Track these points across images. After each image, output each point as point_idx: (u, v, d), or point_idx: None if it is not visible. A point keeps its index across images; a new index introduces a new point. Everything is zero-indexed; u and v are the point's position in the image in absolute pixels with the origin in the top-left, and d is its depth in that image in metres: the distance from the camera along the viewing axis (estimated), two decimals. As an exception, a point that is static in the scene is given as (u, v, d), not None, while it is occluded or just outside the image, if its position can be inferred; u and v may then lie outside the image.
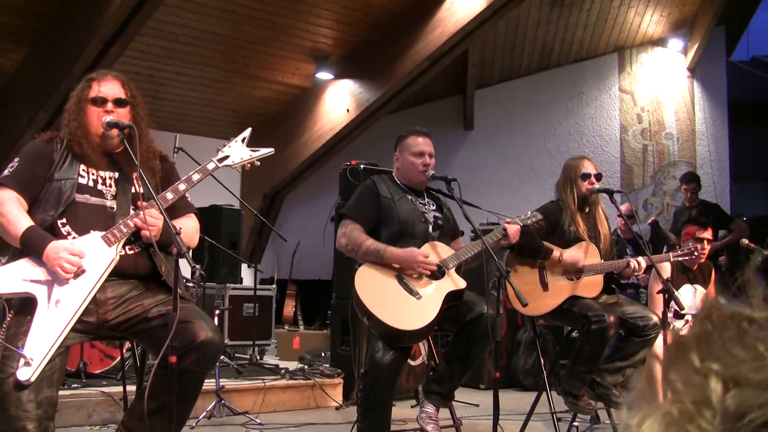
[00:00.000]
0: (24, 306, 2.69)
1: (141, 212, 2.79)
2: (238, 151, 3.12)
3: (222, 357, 5.78)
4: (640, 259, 4.28)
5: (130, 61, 8.04)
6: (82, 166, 2.92)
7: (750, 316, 0.59)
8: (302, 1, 8.22)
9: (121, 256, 2.82)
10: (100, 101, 2.94)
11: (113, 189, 2.95)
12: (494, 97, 11.06)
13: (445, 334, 4.00)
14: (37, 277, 2.70)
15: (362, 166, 5.81)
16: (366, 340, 4.33)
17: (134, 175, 2.96)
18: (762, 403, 0.54)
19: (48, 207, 2.84)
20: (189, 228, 3.03)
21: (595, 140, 10.65)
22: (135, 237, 2.88)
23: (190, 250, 3.03)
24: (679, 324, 4.65)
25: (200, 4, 7.84)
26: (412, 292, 3.59)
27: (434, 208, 3.96)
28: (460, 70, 10.50)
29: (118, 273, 2.85)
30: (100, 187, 2.93)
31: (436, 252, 3.74)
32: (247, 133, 3.17)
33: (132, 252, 2.90)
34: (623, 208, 5.80)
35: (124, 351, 4.17)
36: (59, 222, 2.81)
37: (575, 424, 4.55)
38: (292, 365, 6.48)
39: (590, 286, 4.22)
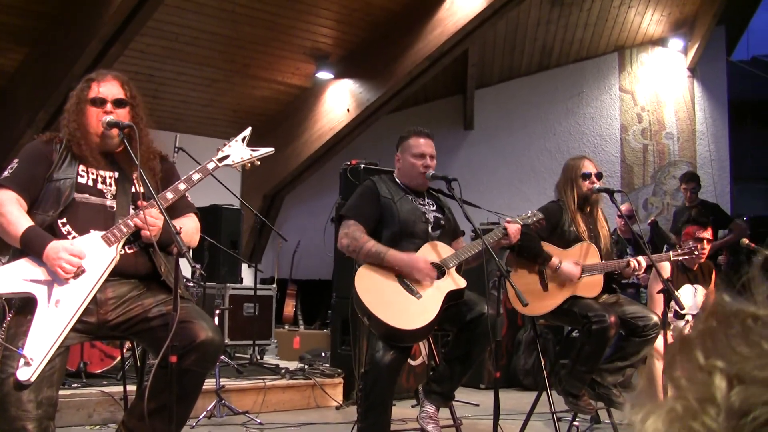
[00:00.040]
0: (24, 306, 2.69)
1: (141, 212, 2.79)
2: (238, 150, 3.12)
3: (222, 357, 5.78)
4: (640, 258, 4.28)
5: (130, 60, 8.04)
6: (82, 166, 2.92)
7: (754, 313, 0.59)
8: (302, 1, 8.21)
9: (121, 255, 2.82)
10: (100, 102, 2.94)
11: (113, 188, 2.95)
12: (494, 97, 11.05)
13: (446, 334, 4.00)
14: (37, 277, 2.70)
15: (362, 166, 5.80)
16: (366, 339, 4.33)
17: (134, 175, 2.96)
18: (766, 401, 0.54)
19: (48, 207, 2.84)
20: (189, 228, 3.03)
21: (595, 140, 10.65)
22: (135, 237, 2.88)
23: (191, 250, 3.03)
24: (679, 324, 4.65)
25: (200, 4, 7.84)
26: (412, 291, 3.59)
27: (434, 208, 3.96)
28: (460, 69, 10.49)
29: (119, 273, 2.84)
30: (100, 186, 2.93)
31: (436, 251, 3.73)
32: (247, 132, 3.17)
33: (132, 252, 2.89)
34: (623, 208, 5.80)
35: (125, 351, 4.17)
36: (59, 222, 2.81)
37: (575, 423, 4.55)
38: (293, 365, 6.48)
39: (590, 286, 4.22)
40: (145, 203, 2.82)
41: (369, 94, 9.23)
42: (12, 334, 2.62)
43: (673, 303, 4.04)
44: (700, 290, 4.88)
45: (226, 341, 6.60)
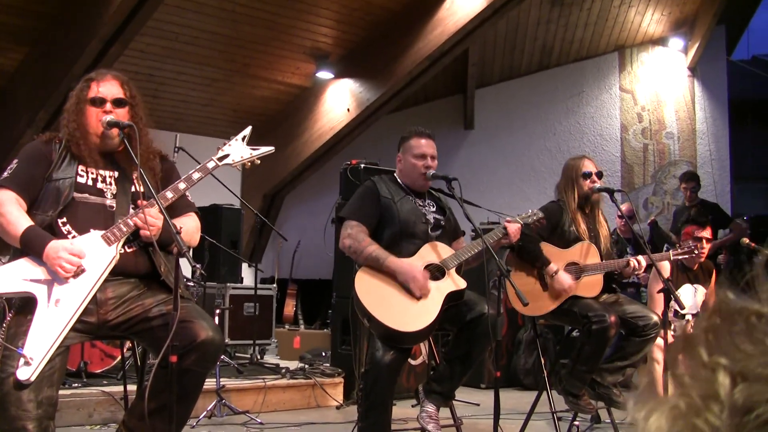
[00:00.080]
0: (24, 305, 2.69)
1: (141, 211, 2.79)
2: (238, 149, 3.11)
3: (222, 356, 5.78)
4: (640, 258, 4.28)
5: (130, 60, 8.04)
6: (81, 166, 2.91)
7: (758, 311, 0.59)
8: (302, 1, 8.21)
9: (121, 255, 2.82)
10: (99, 101, 2.94)
11: (113, 188, 2.95)
12: (494, 97, 11.05)
13: (446, 334, 4.00)
14: (37, 276, 2.70)
15: (362, 166, 5.80)
16: (366, 339, 4.33)
17: (134, 174, 2.96)
18: None
19: (47, 207, 2.84)
20: (189, 227, 3.02)
21: (595, 139, 10.65)
22: (135, 236, 2.87)
23: (191, 250, 3.03)
24: (680, 323, 4.65)
25: (200, 4, 7.84)
26: (412, 293, 3.58)
27: (434, 209, 3.95)
28: (460, 69, 10.49)
29: (119, 272, 2.84)
30: (99, 185, 2.93)
31: (436, 252, 3.73)
32: (247, 131, 3.17)
33: (131, 251, 2.89)
34: (623, 207, 5.80)
35: (125, 350, 4.17)
36: (59, 221, 2.81)
37: (576, 423, 4.56)
38: (293, 365, 6.48)
39: (590, 286, 4.22)
40: (144, 202, 2.82)
41: (369, 94, 9.23)
42: (12, 334, 2.62)
43: (673, 302, 4.04)
44: (700, 290, 4.88)
45: (226, 341, 6.60)
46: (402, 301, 3.55)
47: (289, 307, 9.25)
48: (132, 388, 3.58)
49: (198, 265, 2.86)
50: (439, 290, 3.61)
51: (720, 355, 0.57)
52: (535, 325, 4.58)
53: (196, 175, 2.99)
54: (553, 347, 6.98)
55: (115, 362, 5.27)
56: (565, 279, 4.15)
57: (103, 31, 6.82)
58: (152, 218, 2.80)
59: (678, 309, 4.40)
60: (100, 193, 2.92)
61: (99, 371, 5.24)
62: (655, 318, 4.11)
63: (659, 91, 10.55)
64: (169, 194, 2.92)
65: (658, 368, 4.37)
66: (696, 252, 4.54)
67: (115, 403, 4.76)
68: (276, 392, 5.59)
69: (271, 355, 7.72)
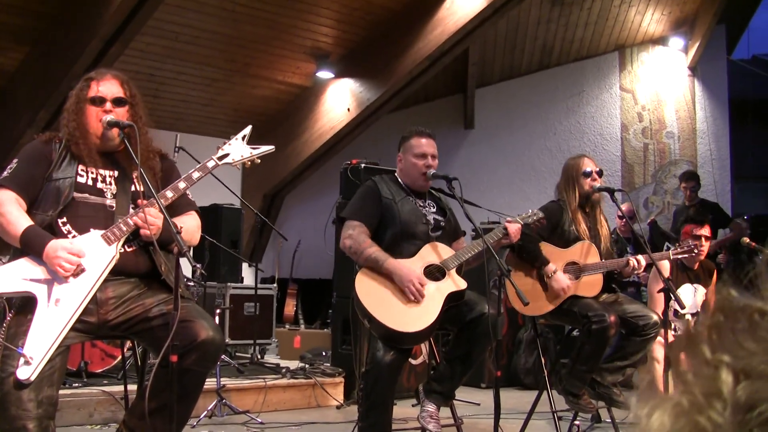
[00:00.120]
0: (24, 305, 2.69)
1: (141, 211, 2.79)
2: (238, 148, 3.11)
3: (223, 356, 5.78)
4: (640, 257, 4.28)
5: (131, 60, 8.03)
6: (81, 166, 2.91)
7: (762, 309, 0.59)
8: (303, 0, 8.21)
9: (121, 254, 2.82)
10: (99, 101, 2.93)
11: (113, 187, 2.94)
12: (495, 96, 11.05)
13: (446, 333, 4.00)
14: (37, 276, 2.70)
15: (363, 165, 5.80)
16: (367, 339, 4.33)
17: (134, 174, 2.96)
18: None
19: (47, 206, 2.83)
20: (190, 226, 3.02)
21: (595, 139, 10.64)
22: (135, 235, 2.87)
23: (191, 249, 3.03)
24: (681, 323, 4.65)
25: (201, 3, 7.84)
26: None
27: (435, 210, 3.95)
28: (460, 69, 10.49)
29: (119, 271, 2.84)
30: (99, 185, 2.93)
31: (436, 252, 3.73)
32: (247, 130, 3.17)
33: (131, 250, 2.89)
34: (624, 207, 5.80)
35: (125, 350, 4.17)
36: (59, 221, 2.81)
37: (576, 423, 4.55)
38: (293, 364, 6.49)
39: (590, 286, 4.22)
40: (145, 202, 2.82)
41: (369, 94, 9.23)
42: (12, 334, 2.62)
43: (673, 302, 4.04)
44: (701, 290, 4.88)
45: (226, 341, 6.60)
46: (402, 302, 3.55)
47: (290, 307, 9.25)
48: (132, 387, 3.58)
49: (198, 265, 2.86)
50: (440, 291, 3.61)
51: (723, 352, 0.57)
52: (535, 325, 4.58)
53: (196, 175, 2.99)
54: (553, 347, 6.98)
55: (116, 362, 5.27)
56: (563, 279, 4.14)
57: (103, 31, 6.82)
58: (152, 217, 2.79)
59: (678, 309, 4.40)
60: (100, 192, 2.92)
61: (99, 371, 5.24)
62: (655, 317, 4.11)
63: (659, 90, 10.54)
64: (169, 193, 2.92)
65: (659, 367, 4.37)
66: (695, 251, 4.54)
67: (115, 402, 4.76)
68: (276, 392, 5.59)
69: (271, 354, 7.72)
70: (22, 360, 2.53)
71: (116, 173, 2.97)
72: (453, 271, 3.70)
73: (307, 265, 9.94)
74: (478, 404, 5.78)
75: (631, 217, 6.86)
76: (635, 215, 7.89)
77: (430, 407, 3.71)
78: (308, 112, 9.97)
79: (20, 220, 2.75)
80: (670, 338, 4.07)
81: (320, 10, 8.43)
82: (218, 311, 6.29)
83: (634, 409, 0.60)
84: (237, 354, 7.06)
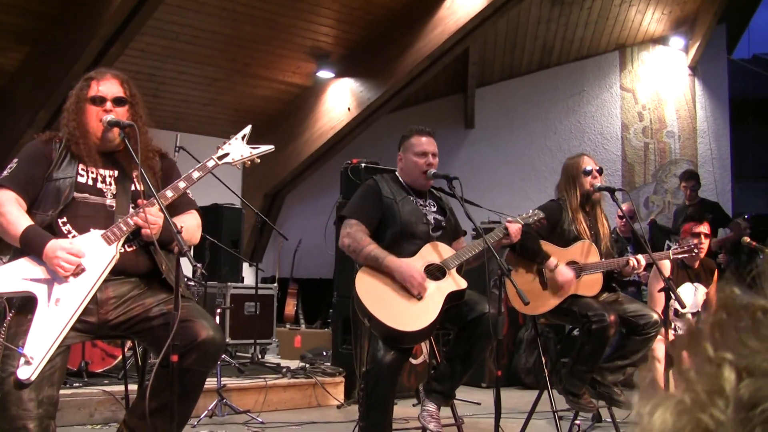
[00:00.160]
0: (24, 305, 2.69)
1: (141, 210, 2.79)
2: (238, 148, 3.11)
3: (223, 356, 5.78)
4: (640, 256, 4.27)
5: (131, 60, 8.03)
6: (81, 165, 2.91)
7: (764, 307, 0.59)
8: (303, 0, 8.21)
9: (121, 254, 2.82)
10: (99, 100, 2.93)
11: (113, 187, 2.94)
12: (495, 96, 11.04)
13: (447, 333, 4.00)
14: (38, 276, 2.70)
15: (363, 165, 5.80)
16: (367, 338, 4.33)
17: (134, 173, 2.96)
18: None
19: (47, 206, 2.83)
20: (190, 225, 3.02)
21: (596, 138, 10.64)
22: (135, 235, 2.87)
23: (192, 248, 3.02)
24: (684, 321, 4.65)
25: (201, 3, 7.83)
26: (410, 292, 3.58)
27: (435, 209, 3.94)
28: (460, 68, 10.49)
29: (120, 271, 2.84)
30: (99, 185, 2.92)
31: (437, 252, 3.73)
32: (247, 130, 3.16)
33: (132, 250, 2.89)
34: (624, 207, 5.80)
35: (126, 350, 4.17)
36: (59, 221, 2.81)
37: (577, 422, 4.56)
38: (294, 364, 6.49)
39: (590, 285, 4.21)
40: (145, 201, 2.82)
41: (370, 93, 9.23)
42: (12, 334, 2.62)
43: (673, 301, 4.03)
44: (701, 289, 4.88)
45: (227, 340, 6.60)
46: (402, 301, 3.54)
47: (290, 307, 9.25)
48: (133, 387, 3.59)
49: (199, 265, 2.86)
50: (440, 290, 3.61)
51: (726, 350, 0.57)
52: (535, 325, 4.58)
53: (195, 174, 2.98)
54: (554, 346, 6.98)
55: (116, 362, 5.27)
56: (565, 272, 4.14)
57: (103, 31, 6.82)
58: (153, 217, 2.79)
59: (679, 308, 4.40)
60: (100, 192, 2.92)
61: (100, 371, 5.24)
62: (656, 316, 4.10)
63: (660, 90, 10.54)
64: (169, 193, 2.92)
65: (659, 366, 4.37)
66: (696, 251, 4.53)
67: (116, 402, 4.76)
68: (277, 392, 5.59)
69: (272, 354, 7.72)
70: (22, 360, 2.53)
71: (116, 173, 2.97)
72: (453, 271, 3.70)
73: (307, 264, 9.94)
74: (479, 404, 5.78)
75: (632, 217, 6.85)
76: (635, 215, 7.89)
77: (431, 407, 3.71)
78: (308, 112, 9.97)
79: (20, 220, 2.75)
80: (671, 337, 4.07)
81: (320, 9, 8.43)
82: (219, 311, 6.29)
83: (635, 407, 0.60)
84: (237, 354, 7.06)
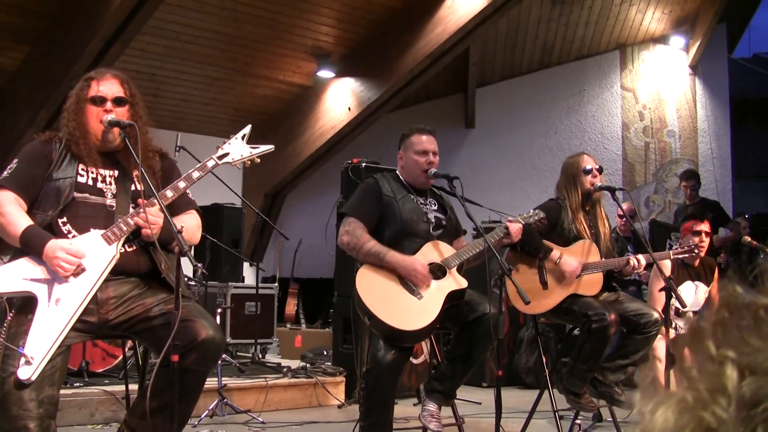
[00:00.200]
0: (25, 305, 2.68)
1: (141, 210, 2.79)
2: (238, 148, 3.11)
3: (224, 356, 5.78)
4: (640, 256, 4.27)
5: (131, 59, 8.03)
6: (81, 165, 2.91)
7: (766, 305, 0.58)
8: (304, 0, 8.21)
9: (121, 254, 2.82)
10: (99, 100, 2.93)
11: (113, 187, 2.94)
12: (495, 95, 11.04)
13: (447, 333, 4.00)
14: (38, 276, 2.70)
15: (364, 165, 5.80)
16: (368, 338, 4.32)
17: (135, 173, 2.96)
18: None
19: (47, 206, 2.83)
20: (190, 225, 3.02)
21: (596, 138, 10.64)
22: (135, 235, 2.87)
23: (192, 248, 3.02)
24: (680, 322, 4.64)
25: (201, 3, 7.84)
26: (413, 291, 3.58)
27: (436, 208, 3.94)
28: (461, 68, 10.49)
29: (120, 271, 2.84)
30: (99, 185, 2.92)
31: (438, 251, 3.73)
32: (247, 130, 3.16)
33: (132, 250, 2.89)
34: (624, 206, 5.79)
35: (127, 350, 4.17)
36: (59, 221, 2.81)
37: (577, 422, 4.55)
38: (294, 364, 6.49)
39: (590, 284, 4.21)
40: (145, 201, 2.82)
41: (370, 93, 9.23)
42: (13, 334, 2.62)
43: (674, 300, 4.03)
44: (701, 287, 4.87)
45: (227, 340, 6.60)
46: (403, 300, 3.54)
47: (291, 306, 9.25)
48: (133, 387, 3.59)
49: (199, 265, 2.86)
50: (441, 289, 3.61)
51: (728, 348, 0.57)
52: (536, 324, 4.58)
53: (195, 174, 2.98)
54: (554, 346, 6.98)
55: (117, 361, 5.27)
56: (570, 261, 4.15)
57: (103, 31, 6.82)
58: (153, 217, 2.79)
59: (679, 307, 4.39)
60: (100, 192, 2.91)
61: (101, 370, 5.24)
62: (656, 315, 4.10)
63: (660, 89, 10.54)
64: (169, 193, 2.91)
65: (660, 366, 4.37)
66: (696, 251, 4.53)
67: (116, 402, 4.77)
68: (277, 391, 5.59)
69: (272, 354, 7.72)
70: (22, 360, 2.53)
71: (116, 173, 2.97)
72: (454, 270, 3.69)
73: (308, 264, 9.94)
74: (480, 403, 5.78)
75: (632, 216, 6.85)
76: (636, 214, 7.88)
77: (432, 406, 3.71)
78: (309, 112, 9.97)
79: (20, 220, 2.75)
80: (672, 336, 4.06)
81: (321, 9, 8.43)
82: (219, 310, 6.29)
83: (637, 405, 0.60)
84: (238, 353, 7.06)
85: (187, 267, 3.15)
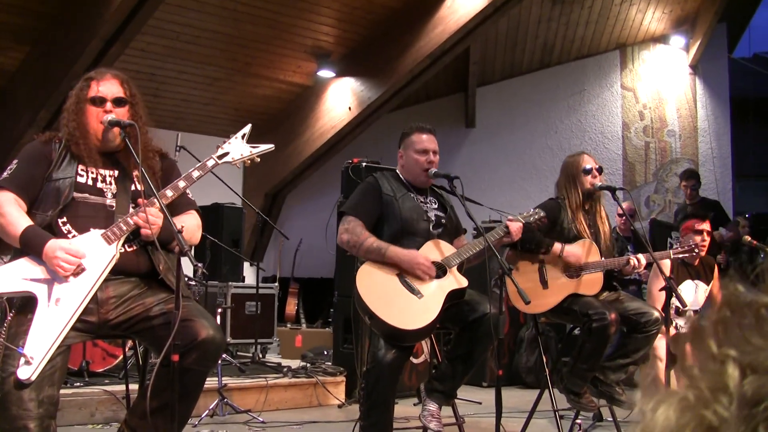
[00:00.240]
0: (25, 305, 2.68)
1: (141, 210, 2.79)
2: (238, 147, 3.10)
3: (224, 355, 5.78)
4: (640, 256, 4.27)
5: (131, 59, 8.03)
6: (81, 166, 2.91)
7: None
8: (304, 0, 8.21)
9: (121, 254, 2.82)
10: (99, 101, 2.93)
11: (113, 187, 2.94)
12: (496, 95, 11.04)
13: (448, 332, 4.00)
14: (37, 276, 2.70)
15: (364, 164, 5.80)
16: (368, 338, 4.32)
17: (135, 173, 2.96)
18: None
19: (47, 207, 2.83)
20: (190, 225, 3.02)
21: (597, 137, 10.64)
22: (135, 235, 2.87)
23: (192, 248, 3.02)
24: (681, 321, 4.64)
25: (202, 3, 7.84)
26: (413, 290, 3.58)
27: (436, 206, 3.94)
28: (461, 67, 10.49)
29: (120, 271, 2.84)
30: (99, 185, 2.92)
31: (438, 250, 3.73)
32: (247, 129, 3.16)
33: (132, 250, 2.89)
34: (624, 205, 5.79)
35: (127, 349, 4.17)
36: (59, 221, 2.81)
37: (578, 421, 4.55)
38: (295, 363, 6.49)
39: (591, 284, 4.21)
40: (145, 201, 2.81)
41: (370, 92, 9.23)
42: (13, 334, 2.62)
43: (674, 299, 4.03)
44: (701, 286, 4.87)
45: (228, 340, 6.61)
46: (403, 299, 3.54)
47: (291, 306, 9.25)
48: (134, 387, 3.59)
49: (200, 264, 2.86)
50: (441, 288, 3.60)
51: (729, 347, 0.57)
52: (536, 324, 4.58)
53: (195, 174, 2.98)
54: (554, 345, 6.98)
55: (117, 361, 5.27)
56: (575, 249, 4.16)
57: (103, 31, 6.82)
58: (153, 217, 2.79)
59: (679, 306, 4.39)
60: (100, 192, 2.91)
61: (101, 370, 5.24)
62: (657, 314, 4.10)
63: (661, 89, 10.54)
64: (169, 192, 2.91)
65: (660, 365, 4.37)
66: (696, 250, 4.53)
67: (117, 402, 4.77)
68: (278, 391, 5.59)
69: (272, 354, 7.72)
70: (22, 360, 2.53)
71: (116, 173, 2.97)
72: (455, 269, 3.69)
73: (308, 264, 9.94)
74: (480, 403, 5.78)
75: (632, 216, 6.85)
76: (636, 214, 7.88)
77: (432, 406, 3.71)
78: (309, 111, 9.97)
79: (20, 221, 2.75)
80: (671, 333, 4.06)
81: (321, 9, 8.43)
82: (219, 310, 6.29)
83: (638, 404, 0.60)
84: (238, 353, 7.06)
85: (187, 267, 3.15)
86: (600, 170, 4.41)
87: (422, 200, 3.90)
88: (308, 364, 6.25)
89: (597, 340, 3.96)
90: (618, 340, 4.17)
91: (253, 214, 8.13)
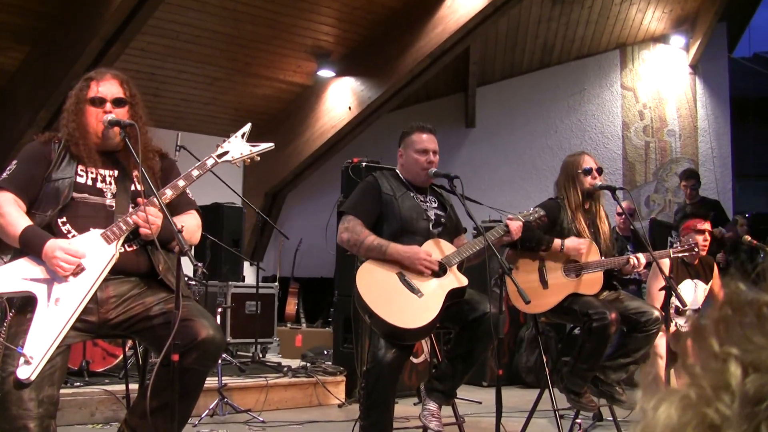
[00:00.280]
0: (24, 305, 2.68)
1: (141, 209, 2.78)
2: (237, 146, 3.10)
3: (224, 355, 5.78)
4: (640, 255, 4.27)
5: (131, 59, 8.03)
6: (80, 166, 2.91)
7: None
8: (304, 0, 8.22)
9: (121, 253, 2.81)
10: (99, 101, 2.92)
11: (113, 187, 2.94)
12: (496, 95, 11.04)
13: (448, 332, 4.00)
14: (37, 275, 2.70)
15: (364, 164, 5.80)
16: (368, 337, 4.32)
17: (135, 173, 2.96)
18: None
19: (47, 207, 2.83)
20: (190, 225, 3.02)
21: (597, 137, 10.64)
22: (135, 235, 2.87)
23: (192, 248, 3.02)
24: (680, 321, 4.64)
25: (202, 2, 7.84)
26: (413, 289, 3.58)
27: (436, 205, 3.94)
28: (461, 67, 10.49)
29: (120, 271, 2.84)
30: (99, 185, 2.92)
31: (438, 249, 3.73)
32: (246, 128, 3.15)
33: (132, 250, 2.89)
34: (624, 205, 5.79)
35: (127, 349, 4.17)
36: (59, 221, 2.81)
37: (578, 421, 4.55)
38: (295, 363, 6.49)
39: (591, 284, 4.20)
40: (145, 201, 2.81)
41: (370, 92, 9.23)
42: (12, 333, 2.62)
43: (673, 299, 4.03)
44: (701, 285, 4.87)
45: (228, 339, 6.61)
46: (404, 298, 3.54)
47: (291, 306, 9.25)
48: (134, 386, 3.58)
49: (200, 264, 2.86)
50: (442, 287, 3.60)
51: (731, 345, 0.57)
52: (536, 323, 4.58)
53: (195, 173, 2.98)
54: (554, 345, 6.98)
55: (117, 361, 5.27)
56: (575, 241, 4.16)
57: (103, 30, 6.82)
58: (152, 216, 2.79)
59: (679, 305, 4.39)
60: (100, 192, 2.91)
61: (101, 370, 5.24)
62: (657, 313, 4.09)
63: (661, 88, 10.54)
64: (169, 192, 2.91)
65: (661, 363, 4.37)
66: (697, 249, 4.53)
67: (117, 401, 4.76)
68: (278, 391, 5.59)
69: (273, 353, 7.72)
70: (22, 359, 2.53)
71: (116, 173, 2.97)
72: (455, 268, 3.69)
73: (308, 263, 9.94)
74: (480, 403, 5.78)
75: (632, 215, 6.85)
76: (636, 213, 7.88)
77: (432, 406, 3.70)
78: (309, 111, 9.97)
79: (19, 221, 2.75)
80: (672, 331, 4.06)
81: (321, 9, 8.43)
82: (220, 310, 6.29)
83: (640, 402, 0.60)
84: (238, 353, 7.06)
85: (187, 266, 3.15)
86: (600, 171, 4.40)
87: (422, 199, 3.90)
88: (308, 364, 6.25)
89: (597, 339, 3.96)
90: (618, 339, 4.16)
91: (253, 214, 8.13)
